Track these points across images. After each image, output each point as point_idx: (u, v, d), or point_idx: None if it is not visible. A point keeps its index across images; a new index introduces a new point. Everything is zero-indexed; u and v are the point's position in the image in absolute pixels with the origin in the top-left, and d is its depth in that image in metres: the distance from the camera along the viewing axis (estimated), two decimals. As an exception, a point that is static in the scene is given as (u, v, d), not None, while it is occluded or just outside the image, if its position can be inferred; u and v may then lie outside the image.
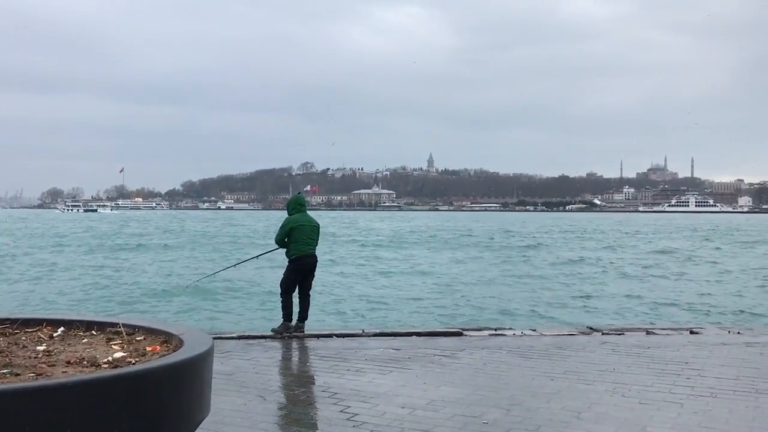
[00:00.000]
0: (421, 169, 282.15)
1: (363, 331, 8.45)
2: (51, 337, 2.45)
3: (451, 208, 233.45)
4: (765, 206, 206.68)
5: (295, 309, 8.41)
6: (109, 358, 2.09)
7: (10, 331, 2.46)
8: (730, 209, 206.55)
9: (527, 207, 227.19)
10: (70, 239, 46.90)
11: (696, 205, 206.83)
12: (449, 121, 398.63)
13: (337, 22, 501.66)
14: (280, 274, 8.77)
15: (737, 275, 25.43)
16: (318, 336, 8.12)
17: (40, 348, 2.26)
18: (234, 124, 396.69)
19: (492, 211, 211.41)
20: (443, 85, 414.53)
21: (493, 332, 8.57)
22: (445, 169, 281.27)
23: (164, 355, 2.08)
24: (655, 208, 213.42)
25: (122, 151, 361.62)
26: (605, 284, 22.09)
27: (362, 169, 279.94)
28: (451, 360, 6.79)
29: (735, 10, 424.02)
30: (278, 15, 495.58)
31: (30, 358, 2.12)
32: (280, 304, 8.52)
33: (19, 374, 1.90)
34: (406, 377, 6.04)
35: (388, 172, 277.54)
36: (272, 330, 8.34)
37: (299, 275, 8.44)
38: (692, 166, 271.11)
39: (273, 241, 8.83)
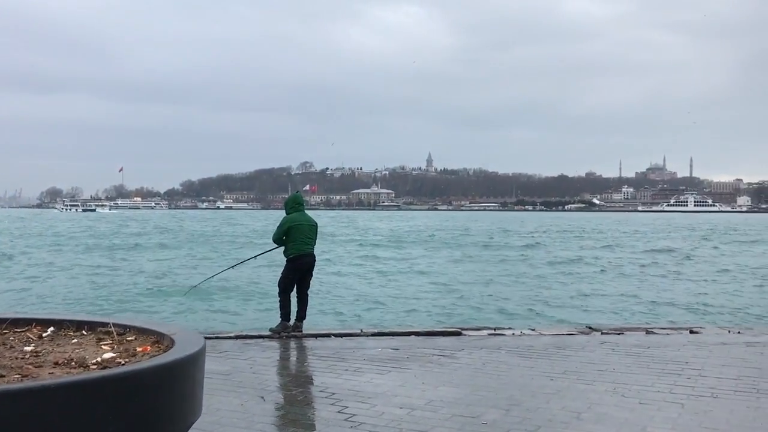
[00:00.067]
0: (420, 168, 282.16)
1: (361, 331, 8.42)
2: (40, 337, 2.39)
3: (450, 207, 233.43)
4: (764, 206, 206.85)
5: (293, 308, 8.37)
6: (98, 359, 2.03)
7: (-1, 331, 2.41)
8: (728, 209, 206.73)
9: (526, 207, 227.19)
10: (67, 239, 46.84)
11: (695, 205, 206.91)
12: (448, 121, 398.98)
13: (336, 22, 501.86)
14: (278, 273, 8.74)
15: (736, 274, 25.42)
16: (316, 335, 8.09)
17: (28, 348, 2.21)
18: (233, 123, 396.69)
19: (491, 210, 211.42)
20: (442, 85, 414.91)
21: (492, 332, 8.53)
22: (444, 169, 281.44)
23: (155, 356, 2.03)
24: (654, 208, 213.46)
25: (121, 151, 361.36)
26: (604, 284, 22.06)
27: (361, 169, 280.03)
28: (450, 360, 6.74)
29: (733, 10, 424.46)
30: (277, 15, 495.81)
31: (17, 359, 2.07)
32: (278, 304, 8.48)
33: (3, 375, 1.85)
34: (405, 377, 6.00)
35: (387, 172, 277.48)
36: (270, 329, 8.30)
37: (297, 274, 8.40)
38: (691, 166, 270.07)
39: (271, 241, 8.79)
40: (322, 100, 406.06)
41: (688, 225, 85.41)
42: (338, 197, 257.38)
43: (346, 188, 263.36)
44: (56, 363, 1.99)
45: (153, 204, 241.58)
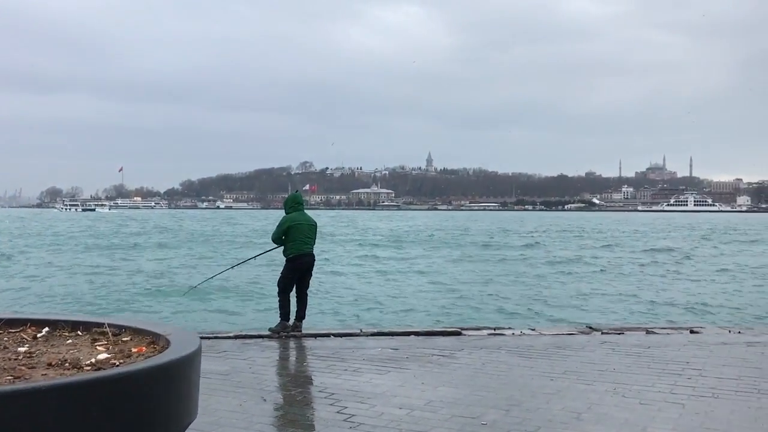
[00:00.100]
0: (419, 168, 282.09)
1: (361, 331, 8.40)
2: (34, 337, 2.37)
3: (450, 207, 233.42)
4: (764, 205, 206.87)
5: (293, 308, 8.35)
6: (93, 360, 2.00)
7: (-6, 331, 2.38)
8: (728, 208, 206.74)
9: (526, 206, 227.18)
10: (66, 238, 46.82)
11: (695, 205, 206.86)
12: (448, 121, 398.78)
13: (336, 22, 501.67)
14: (277, 273, 8.71)
15: (735, 274, 25.41)
16: (315, 335, 8.06)
17: (22, 349, 2.18)
18: (233, 123, 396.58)
19: (491, 210, 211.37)
20: (442, 85, 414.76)
21: (492, 332, 8.50)
22: (444, 169, 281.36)
23: (150, 357, 2.00)
24: (654, 208, 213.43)
25: (121, 151, 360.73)
26: (604, 283, 22.03)
27: (361, 169, 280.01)
28: (450, 360, 6.72)
29: (731, 9, 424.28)
30: (277, 14, 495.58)
31: (10, 359, 2.04)
32: (277, 304, 8.45)
33: (-6, 377, 1.82)
34: (404, 377, 5.98)
35: (387, 172, 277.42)
36: (270, 329, 8.28)
37: (297, 274, 8.37)
38: (691, 166, 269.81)
39: (270, 240, 8.77)
40: (322, 99, 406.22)
41: (688, 225, 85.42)
42: (338, 197, 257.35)
43: (345, 188, 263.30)
44: (50, 364, 1.97)
45: (153, 204, 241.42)
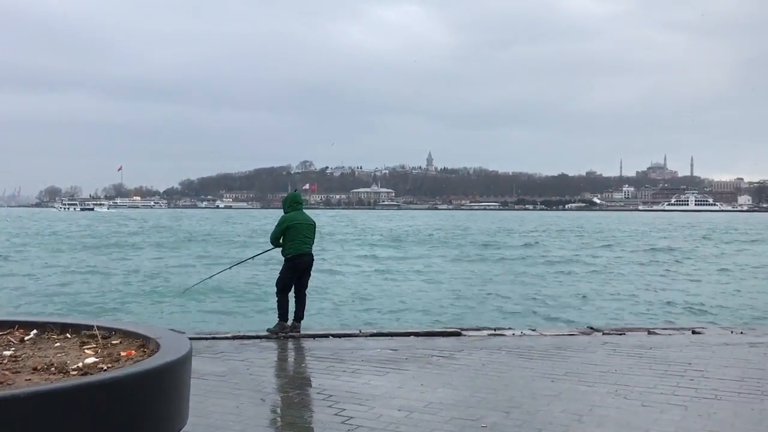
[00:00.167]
0: (420, 167, 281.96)
1: (360, 331, 8.33)
2: (22, 340, 2.30)
3: (451, 206, 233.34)
4: (765, 205, 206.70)
5: (291, 308, 8.29)
6: (80, 365, 1.94)
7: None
8: (729, 208, 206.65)
9: (527, 206, 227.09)
10: (64, 237, 46.75)
11: (696, 204, 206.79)
12: (448, 120, 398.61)
13: (336, 21, 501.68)
14: (275, 273, 8.64)
15: (736, 274, 25.35)
16: (314, 336, 8.00)
17: (7, 353, 2.11)
18: (233, 122, 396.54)
19: (491, 210, 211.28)
20: (442, 84, 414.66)
21: (492, 332, 8.44)
22: (445, 168, 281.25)
23: (138, 361, 1.93)
24: (655, 207, 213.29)
25: (120, 150, 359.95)
26: (604, 283, 21.97)
27: (361, 168, 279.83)
28: (450, 361, 6.66)
29: (733, 9, 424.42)
30: (277, 13, 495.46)
31: (-6, 364, 1.98)
32: (275, 304, 8.39)
33: (-26, 383, 1.75)
34: (403, 379, 5.92)
35: (387, 171, 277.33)
36: (268, 330, 8.21)
37: (295, 274, 8.31)
38: (692, 165, 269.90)
39: (268, 240, 8.70)
40: (322, 98, 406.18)
41: (689, 224, 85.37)
42: (338, 196, 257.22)
43: (345, 187, 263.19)
44: (35, 368, 1.90)
45: (152, 203, 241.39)
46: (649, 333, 8.47)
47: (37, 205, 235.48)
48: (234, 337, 7.83)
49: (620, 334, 8.34)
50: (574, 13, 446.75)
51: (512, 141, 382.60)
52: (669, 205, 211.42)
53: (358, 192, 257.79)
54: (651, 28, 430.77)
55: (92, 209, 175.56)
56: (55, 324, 2.43)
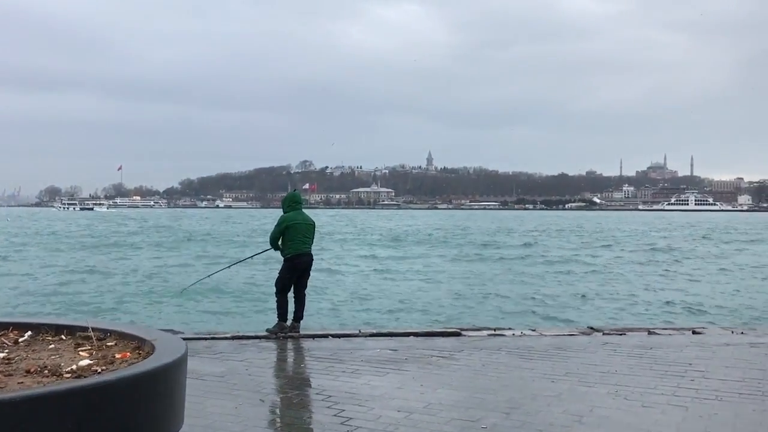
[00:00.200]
0: (420, 167, 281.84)
1: (359, 332, 8.30)
2: (16, 342, 2.27)
3: (450, 206, 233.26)
4: (765, 204, 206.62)
5: (291, 309, 8.26)
6: (73, 367, 1.91)
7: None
8: (729, 208, 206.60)
9: (526, 205, 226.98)
10: (64, 237, 46.71)
11: (696, 204, 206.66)
12: (448, 120, 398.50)
13: (336, 20, 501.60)
14: (275, 272, 8.62)
15: (736, 273, 25.33)
16: (313, 336, 7.97)
17: (1, 355, 2.08)
18: (233, 122, 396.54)
19: (491, 209, 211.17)
20: (442, 83, 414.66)
21: (492, 332, 8.41)
22: (444, 168, 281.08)
23: (133, 363, 1.91)
24: (655, 207, 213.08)
25: (120, 150, 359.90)
26: (604, 283, 21.95)
27: (361, 168, 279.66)
28: (449, 361, 6.63)
29: (733, 8, 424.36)
30: (277, 13, 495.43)
31: (-13, 366, 1.95)
32: (275, 304, 8.36)
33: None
34: (403, 379, 5.89)
35: (387, 171, 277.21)
36: (267, 330, 8.19)
37: (295, 274, 8.28)
38: (692, 165, 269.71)
39: (267, 240, 8.67)
40: (321, 98, 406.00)
41: (689, 224, 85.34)
42: (338, 196, 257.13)
43: (345, 187, 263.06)
44: (28, 371, 1.87)
45: (152, 203, 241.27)
46: (650, 333, 8.45)
47: (36, 205, 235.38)
48: (233, 338, 7.81)
49: (620, 335, 8.31)
50: (574, 13, 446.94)
51: (512, 141, 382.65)
52: (669, 204, 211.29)
53: (358, 192, 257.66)
54: (651, 28, 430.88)
55: (92, 209, 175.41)
56: (49, 325, 2.40)
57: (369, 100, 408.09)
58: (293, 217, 8.32)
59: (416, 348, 7.26)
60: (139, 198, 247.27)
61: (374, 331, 8.40)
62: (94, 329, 2.29)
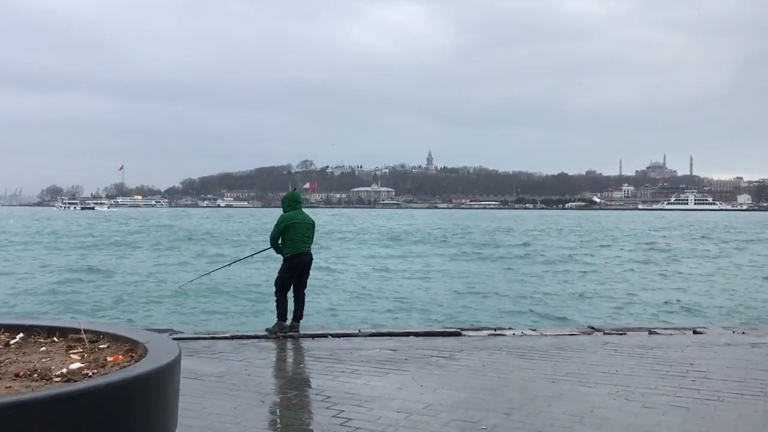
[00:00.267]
0: (420, 166, 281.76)
1: (359, 331, 8.27)
2: (7, 344, 2.23)
3: (451, 205, 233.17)
4: (764, 204, 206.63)
5: (290, 308, 8.22)
6: (64, 370, 1.87)
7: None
8: (729, 207, 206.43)
9: (526, 205, 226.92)
10: (62, 236, 46.67)
11: (695, 203, 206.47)
12: (448, 119, 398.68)
13: (336, 20, 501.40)
14: (274, 272, 8.58)
15: (735, 273, 25.28)
16: (313, 336, 7.94)
17: (-9, 358, 2.05)
18: (234, 121, 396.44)
19: (491, 209, 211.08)
20: (443, 83, 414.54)
21: (492, 332, 8.37)
22: (445, 167, 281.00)
23: (125, 367, 1.86)
24: (655, 206, 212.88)
25: (122, 149, 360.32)
26: (604, 283, 21.90)
27: (361, 167, 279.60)
28: (449, 361, 6.60)
29: (733, 8, 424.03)
30: (278, 13, 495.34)
31: (-24, 370, 1.91)
32: (274, 303, 8.32)
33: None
34: (403, 379, 5.85)
35: (387, 170, 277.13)
36: (267, 330, 8.15)
37: (294, 273, 8.24)
38: (691, 164, 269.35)
39: (267, 239, 8.64)
40: (322, 98, 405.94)
41: (688, 223, 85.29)
42: (338, 195, 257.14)
43: (346, 186, 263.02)
44: (17, 375, 1.83)
45: (153, 202, 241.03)
46: (650, 333, 8.41)
47: (38, 205, 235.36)
48: (232, 337, 7.77)
49: (621, 334, 8.27)
50: (574, 13, 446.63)
51: (512, 140, 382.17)
52: (668, 204, 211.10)
53: (358, 191, 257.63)
54: (651, 28, 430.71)
55: (92, 208, 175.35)
56: (42, 327, 2.36)
57: (369, 100, 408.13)
58: (293, 216, 8.29)
59: (416, 348, 7.22)
60: (140, 197, 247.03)
61: (374, 331, 8.37)
62: (86, 331, 2.25)
